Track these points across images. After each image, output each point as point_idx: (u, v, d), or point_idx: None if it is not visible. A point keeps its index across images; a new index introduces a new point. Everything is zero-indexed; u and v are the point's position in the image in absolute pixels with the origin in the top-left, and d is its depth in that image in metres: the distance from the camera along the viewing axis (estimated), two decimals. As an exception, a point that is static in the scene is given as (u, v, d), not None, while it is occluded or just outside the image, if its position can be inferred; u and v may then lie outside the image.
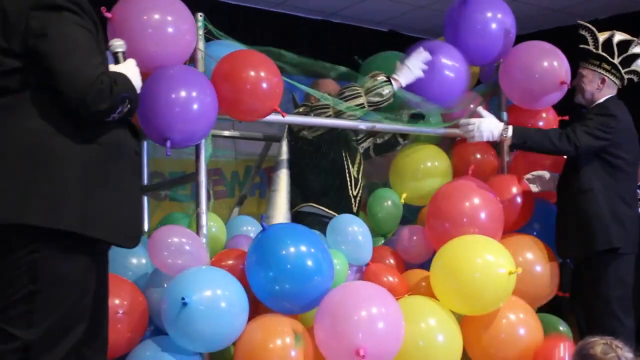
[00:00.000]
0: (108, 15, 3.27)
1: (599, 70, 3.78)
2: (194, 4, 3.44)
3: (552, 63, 3.98)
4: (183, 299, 2.86)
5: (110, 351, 3.06)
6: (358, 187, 4.00)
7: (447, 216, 3.57)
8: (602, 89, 3.79)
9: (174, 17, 3.32)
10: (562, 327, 4.03)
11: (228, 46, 3.52)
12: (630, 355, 2.32)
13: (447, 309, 3.40)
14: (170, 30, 3.30)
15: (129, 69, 2.46)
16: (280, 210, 3.82)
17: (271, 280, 3.13)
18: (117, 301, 3.08)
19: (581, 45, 3.81)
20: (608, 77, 3.77)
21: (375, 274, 3.56)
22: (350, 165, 3.99)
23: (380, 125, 3.88)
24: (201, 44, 3.46)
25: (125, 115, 2.33)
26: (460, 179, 3.70)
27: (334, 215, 3.73)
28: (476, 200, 3.54)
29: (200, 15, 3.47)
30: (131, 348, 3.12)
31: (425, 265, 3.66)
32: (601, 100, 3.79)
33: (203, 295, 2.93)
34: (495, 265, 3.31)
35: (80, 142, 2.23)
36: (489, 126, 3.69)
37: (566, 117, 4.16)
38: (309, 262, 3.15)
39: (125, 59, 2.55)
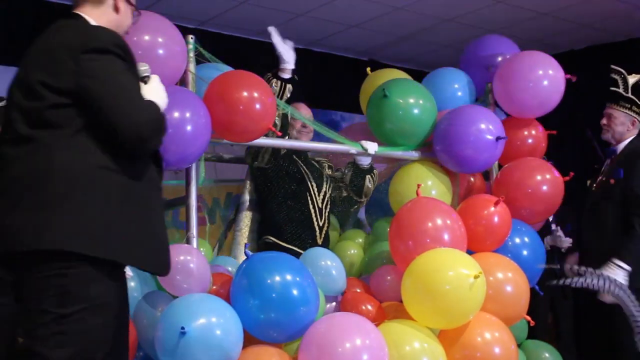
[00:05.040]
0: None
1: (630, 112, 3.91)
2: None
3: (548, 71, 3.92)
4: (183, 328, 2.75)
5: None
6: (324, 217, 3.89)
7: (409, 235, 3.44)
8: (631, 130, 3.94)
9: (164, 38, 3.25)
10: (547, 354, 4.08)
11: (218, 69, 3.45)
12: None
13: (426, 328, 3.32)
14: (160, 51, 3.23)
15: (156, 91, 2.47)
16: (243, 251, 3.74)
17: (257, 308, 3.04)
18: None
19: (612, 88, 3.91)
20: (638, 119, 3.91)
21: (352, 303, 3.49)
22: (316, 194, 3.88)
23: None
24: (192, 66, 3.39)
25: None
26: (419, 198, 3.58)
27: (294, 249, 3.67)
28: (437, 218, 3.43)
29: (191, 38, 3.40)
30: None
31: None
32: (629, 140, 3.95)
33: (201, 323, 2.83)
34: (461, 273, 3.22)
35: (120, 174, 2.25)
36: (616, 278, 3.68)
37: (554, 132, 4.12)
38: (295, 292, 3.06)
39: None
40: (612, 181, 3.88)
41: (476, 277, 3.19)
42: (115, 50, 2.24)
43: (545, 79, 3.91)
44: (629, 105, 3.88)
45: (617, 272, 3.70)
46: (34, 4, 5.69)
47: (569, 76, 3.90)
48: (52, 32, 2.35)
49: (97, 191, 2.18)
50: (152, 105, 2.32)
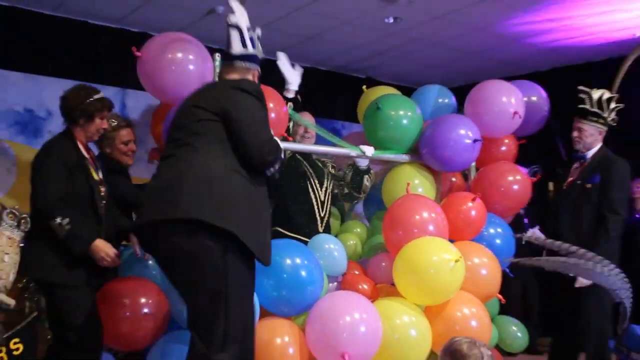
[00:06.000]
0: (138, 54, 3.30)
1: (597, 125, 3.91)
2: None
3: (508, 96, 3.97)
4: None
5: (137, 344, 3.10)
6: (325, 209, 3.91)
7: (400, 226, 3.52)
8: (598, 139, 3.96)
9: (194, 56, 3.34)
10: (515, 328, 4.16)
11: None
12: (489, 352, 2.26)
13: (414, 304, 3.38)
14: (191, 67, 3.32)
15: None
16: None
17: (271, 287, 3.12)
18: (143, 300, 3.09)
19: (580, 106, 3.93)
20: (603, 129, 3.93)
21: (351, 283, 3.57)
22: (318, 189, 3.91)
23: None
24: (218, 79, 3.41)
25: (274, 175, 2.71)
26: (408, 195, 3.65)
27: (298, 237, 3.68)
28: (423, 212, 3.52)
29: (218, 55, 3.46)
30: (155, 341, 3.12)
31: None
32: (598, 148, 3.95)
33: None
34: (444, 258, 3.30)
35: (244, 178, 2.56)
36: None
37: (524, 141, 4.19)
38: (304, 273, 3.14)
39: None
40: (588, 186, 3.89)
41: (456, 261, 3.27)
42: (255, 94, 2.65)
43: (507, 106, 3.96)
44: (596, 119, 3.88)
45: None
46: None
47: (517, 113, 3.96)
48: (211, 83, 2.94)
49: (226, 184, 2.50)
50: (273, 137, 2.68)
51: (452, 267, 3.27)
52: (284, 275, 3.12)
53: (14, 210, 3.04)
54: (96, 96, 3.08)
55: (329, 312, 3.10)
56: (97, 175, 3.08)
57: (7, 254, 2.98)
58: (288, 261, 3.15)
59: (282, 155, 2.73)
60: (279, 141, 2.73)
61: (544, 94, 4.18)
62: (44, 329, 3.56)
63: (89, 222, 2.97)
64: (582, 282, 3.70)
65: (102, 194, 3.07)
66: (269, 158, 2.61)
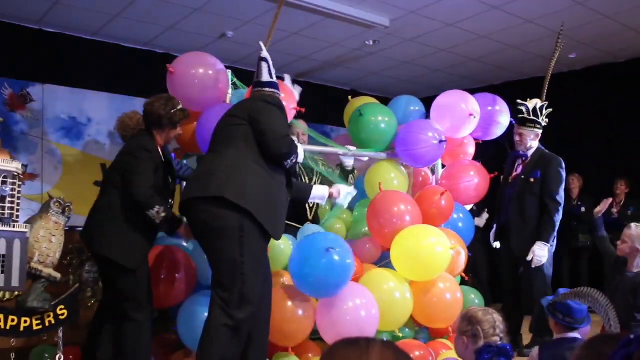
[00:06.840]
0: (172, 70, 3.29)
1: (534, 129, 3.91)
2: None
3: (465, 102, 3.87)
4: None
5: (171, 300, 3.11)
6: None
7: (381, 216, 3.49)
8: (536, 140, 3.95)
9: (213, 72, 3.36)
10: (474, 296, 4.11)
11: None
12: (500, 318, 2.19)
13: (401, 276, 3.37)
14: (210, 81, 3.34)
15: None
16: None
17: (307, 274, 3.01)
18: (176, 266, 3.11)
19: (519, 115, 3.92)
20: (539, 132, 3.92)
21: None
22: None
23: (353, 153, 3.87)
24: (231, 91, 3.49)
25: (291, 168, 2.79)
26: (388, 191, 3.61)
27: (292, 224, 3.58)
28: (401, 205, 3.49)
29: (230, 72, 3.49)
30: (185, 298, 3.14)
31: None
32: (536, 147, 3.94)
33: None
34: (438, 244, 3.31)
35: (263, 170, 2.66)
36: (544, 254, 3.73)
37: (479, 141, 4.15)
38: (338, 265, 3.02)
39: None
40: (532, 180, 3.88)
41: (451, 249, 3.29)
42: (278, 105, 2.80)
43: (464, 110, 3.84)
44: (533, 125, 3.90)
45: (544, 249, 3.77)
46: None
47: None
48: (243, 100, 3.00)
49: (248, 173, 2.61)
50: (289, 135, 2.78)
51: (442, 251, 3.29)
52: (322, 260, 2.96)
53: (59, 200, 3.01)
54: (179, 107, 3.01)
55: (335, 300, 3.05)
56: (169, 175, 3.04)
57: (54, 235, 2.96)
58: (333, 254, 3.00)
59: (297, 152, 2.77)
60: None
61: (503, 103, 4.15)
62: (85, 298, 3.56)
63: None
64: (537, 262, 3.73)
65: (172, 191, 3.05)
66: (285, 150, 2.69)
